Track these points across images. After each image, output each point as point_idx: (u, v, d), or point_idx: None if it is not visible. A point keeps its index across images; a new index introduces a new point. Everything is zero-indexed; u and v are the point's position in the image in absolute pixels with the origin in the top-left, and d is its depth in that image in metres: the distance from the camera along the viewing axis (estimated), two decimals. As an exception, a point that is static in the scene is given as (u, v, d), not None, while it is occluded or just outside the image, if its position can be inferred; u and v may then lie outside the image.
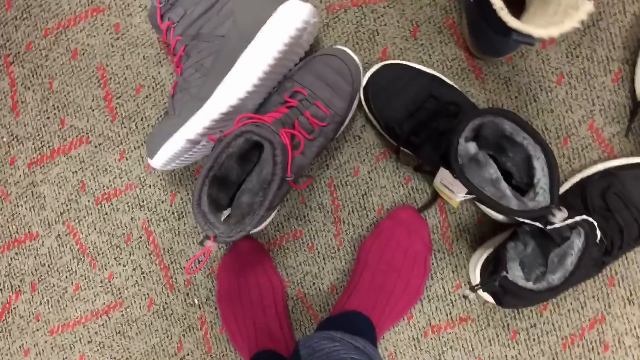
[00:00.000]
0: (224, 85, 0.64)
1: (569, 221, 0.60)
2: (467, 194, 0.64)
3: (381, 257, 0.72)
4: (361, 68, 0.71)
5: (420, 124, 0.67)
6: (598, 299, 0.75)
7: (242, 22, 0.63)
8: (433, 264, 0.77)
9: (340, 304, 0.73)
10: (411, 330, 0.78)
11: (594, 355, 0.75)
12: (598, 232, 0.61)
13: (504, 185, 0.61)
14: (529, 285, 0.62)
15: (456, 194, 0.66)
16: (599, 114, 0.73)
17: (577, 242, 0.60)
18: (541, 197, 0.60)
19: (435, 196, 0.75)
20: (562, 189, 0.71)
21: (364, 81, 0.71)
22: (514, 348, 0.76)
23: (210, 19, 0.64)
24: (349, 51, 0.70)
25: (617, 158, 0.72)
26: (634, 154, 0.73)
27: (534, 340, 0.76)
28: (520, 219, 0.61)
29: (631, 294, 0.74)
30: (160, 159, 0.69)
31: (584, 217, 0.60)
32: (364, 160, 0.77)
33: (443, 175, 0.66)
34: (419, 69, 0.71)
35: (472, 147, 0.62)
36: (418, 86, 0.69)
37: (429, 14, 0.74)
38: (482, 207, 0.72)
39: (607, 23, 0.72)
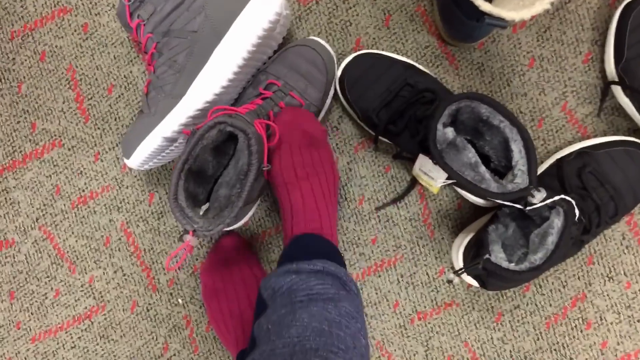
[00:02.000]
0: (198, 81, 0.64)
1: (548, 201, 0.60)
2: (447, 179, 0.64)
3: (293, 166, 0.66)
4: (335, 58, 0.71)
5: (397, 112, 0.67)
6: (578, 278, 0.76)
7: (213, 16, 0.63)
8: (416, 251, 0.77)
9: (285, 232, 0.67)
10: (397, 318, 0.78)
11: (577, 333, 0.77)
12: (576, 211, 0.62)
13: (482, 169, 0.61)
14: (512, 266, 0.63)
15: (436, 180, 0.66)
16: (571, 95, 0.74)
17: (557, 221, 0.61)
18: (520, 178, 0.61)
19: (414, 183, 0.76)
20: (539, 171, 0.72)
21: (338, 72, 0.71)
22: (499, 330, 0.77)
23: (181, 14, 0.64)
24: (322, 41, 0.70)
25: (592, 138, 0.73)
26: (607, 133, 0.74)
27: (518, 321, 0.77)
28: (501, 202, 0.62)
29: (610, 271, 0.76)
30: (137, 159, 0.68)
31: (562, 196, 0.61)
32: (342, 151, 0.77)
33: (422, 162, 0.67)
34: (393, 58, 0.71)
35: (449, 132, 0.62)
36: (393, 75, 0.69)
37: (400, 2, 0.74)
38: (462, 192, 0.72)
39: (575, 5, 0.73)
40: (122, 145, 0.69)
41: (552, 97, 0.74)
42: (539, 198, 0.60)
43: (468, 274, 0.69)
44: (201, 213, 0.62)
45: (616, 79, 0.70)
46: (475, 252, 0.69)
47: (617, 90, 0.70)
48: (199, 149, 0.59)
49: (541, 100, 0.74)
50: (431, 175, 0.67)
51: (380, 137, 0.72)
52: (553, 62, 0.74)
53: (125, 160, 0.69)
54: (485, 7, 0.52)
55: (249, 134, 0.58)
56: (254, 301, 0.76)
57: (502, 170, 0.65)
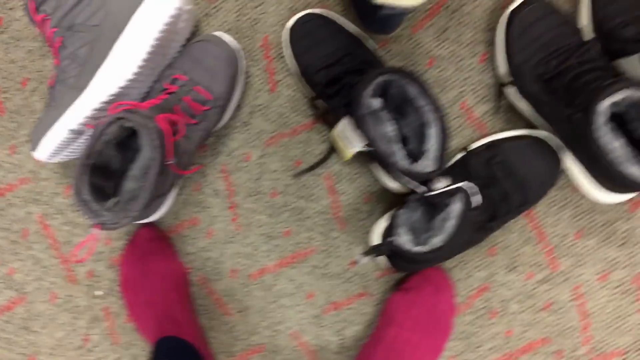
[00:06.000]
0: (100, 74, 0.65)
1: (448, 188, 0.65)
2: (365, 146, 0.67)
3: (408, 314, 0.74)
4: (241, 52, 0.73)
5: (333, 77, 0.70)
6: (482, 269, 0.79)
7: (114, 11, 0.65)
8: (328, 243, 0.80)
9: (362, 357, 0.76)
10: (312, 309, 0.81)
11: (483, 322, 0.80)
12: (474, 198, 0.66)
13: (398, 146, 0.65)
14: (415, 248, 0.66)
15: (352, 145, 0.68)
16: (469, 94, 0.77)
17: (455, 207, 0.65)
18: (430, 162, 0.65)
19: (330, 152, 0.77)
20: (448, 164, 0.75)
21: (290, 23, 0.73)
22: (406, 319, 0.80)
23: (84, 9, 0.65)
24: (226, 35, 0.72)
25: (501, 132, 0.76)
26: (504, 130, 0.77)
27: (425, 310, 0.80)
28: (405, 181, 0.65)
29: (511, 262, 0.79)
30: (44, 151, 0.69)
31: (460, 184, 0.65)
32: (254, 145, 0.79)
33: (344, 126, 0.69)
34: (341, 27, 0.73)
35: (376, 102, 0.65)
36: (339, 41, 0.72)
37: (306, 1, 0.76)
38: (376, 172, 0.75)
39: (471, 7, 0.76)
40: (32, 137, 0.71)
41: (451, 95, 0.77)
42: (442, 184, 0.63)
43: (374, 254, 0.72)
44: (112, 206, 0.64)
45: (508, 81, 0.73)
46: (385, 235, 0.72)
47: (512, 91, 0.74)
48: (100, 145, 0.61)
49: (441, 99, 0.77)
50: (347, 142, 0.69)
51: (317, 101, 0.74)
52: (451, 62, 0.77)
53: (32, 152, 0.70)
54: (379, -1, 0.55)
55: (150, 128, 0.59)
56: (169, 291, 0.78)
57: (416, 154, 0.69)
